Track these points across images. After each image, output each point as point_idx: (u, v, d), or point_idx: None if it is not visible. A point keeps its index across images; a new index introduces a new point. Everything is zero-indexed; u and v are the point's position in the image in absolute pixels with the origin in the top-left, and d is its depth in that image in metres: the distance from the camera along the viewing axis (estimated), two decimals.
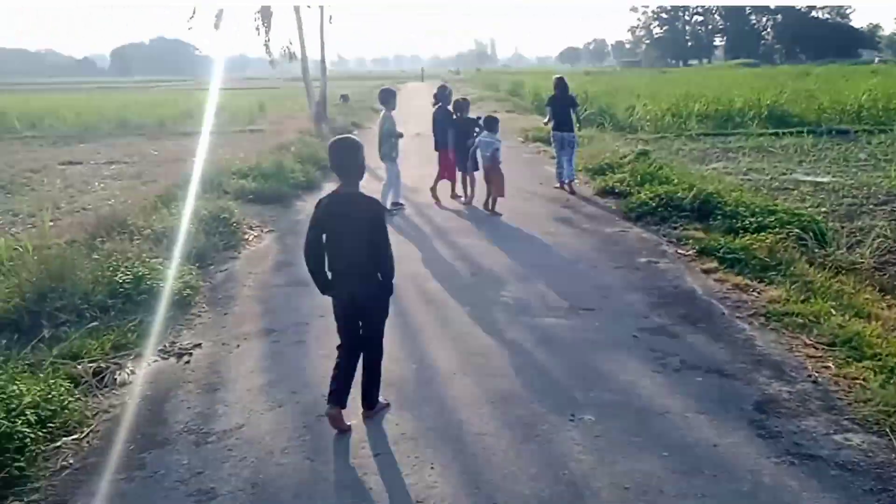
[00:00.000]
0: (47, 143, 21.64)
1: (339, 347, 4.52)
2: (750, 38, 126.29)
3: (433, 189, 11.52)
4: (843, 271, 7.14)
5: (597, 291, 6.85)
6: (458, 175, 11.48)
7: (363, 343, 4.49)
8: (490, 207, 10.59)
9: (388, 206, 10.49)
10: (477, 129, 10.82)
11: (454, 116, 11.31)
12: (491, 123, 10.68)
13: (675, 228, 9.07)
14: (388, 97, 11.05)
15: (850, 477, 3.76)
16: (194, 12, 20.28)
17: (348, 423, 4.34)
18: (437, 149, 11.67)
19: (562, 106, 12.15)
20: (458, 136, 11.02)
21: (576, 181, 12.28)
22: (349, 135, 4.66)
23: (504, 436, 4.24)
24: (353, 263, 4.31)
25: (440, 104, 11.67)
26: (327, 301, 4.57)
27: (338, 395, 4.34)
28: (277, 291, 7.12)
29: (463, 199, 11.36)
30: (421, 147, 14.21)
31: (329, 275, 4.38)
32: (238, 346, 5.77)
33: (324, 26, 22.33)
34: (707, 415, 4.44)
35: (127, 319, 6.04)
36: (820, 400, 4.61)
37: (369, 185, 12.20)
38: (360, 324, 4.46)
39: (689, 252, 8.05)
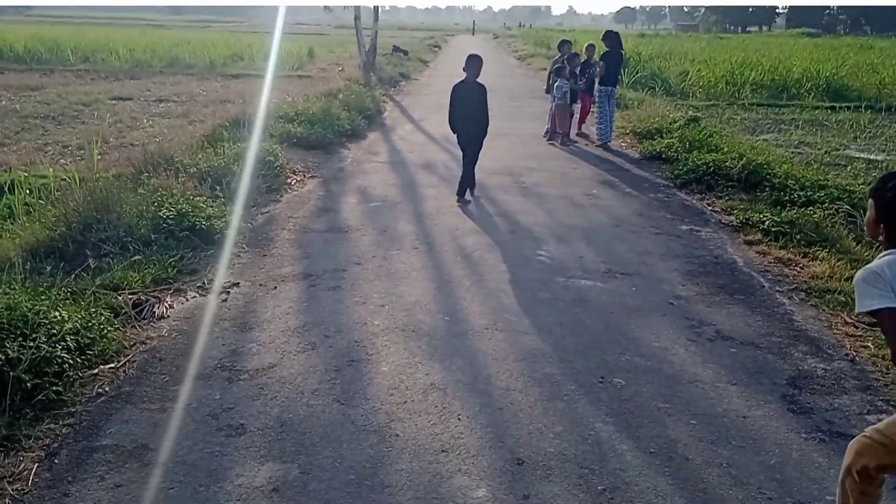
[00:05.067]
0: (99, 77, 21.91)
1: (464, 160, 8.61)
2: (814, 6, 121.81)
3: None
4: None
5: (635, 256, 6.78)
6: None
7: (471, 154, 8.54)
8: (549, 138, 12.93)
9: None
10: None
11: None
12: (559, 70, 12.73)
13: (721, 197, 8.90)
14: (563, 44, 13.53)
15: None
16: None
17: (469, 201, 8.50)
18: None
19: (613, 61, 12.47)
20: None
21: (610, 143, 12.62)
22: (475, 52, 8.60)
23: (532, 393, 4.25)
24: (470, 117, 8.36)
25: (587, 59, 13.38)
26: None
27: (461, 190, 8.61)
28: (316, 237, 7.18)
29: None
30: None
31: (457, 124, 8.42)
32: (275, 287, 5.84)
33: None
34: (738, 386, 4.39)
35: (168, 255, 6.15)
36: (855, 379, 4.53)
37: (413, 135, 12.12)
38: (469, 144, 8.55)
39: (733, 222, 7.90)
